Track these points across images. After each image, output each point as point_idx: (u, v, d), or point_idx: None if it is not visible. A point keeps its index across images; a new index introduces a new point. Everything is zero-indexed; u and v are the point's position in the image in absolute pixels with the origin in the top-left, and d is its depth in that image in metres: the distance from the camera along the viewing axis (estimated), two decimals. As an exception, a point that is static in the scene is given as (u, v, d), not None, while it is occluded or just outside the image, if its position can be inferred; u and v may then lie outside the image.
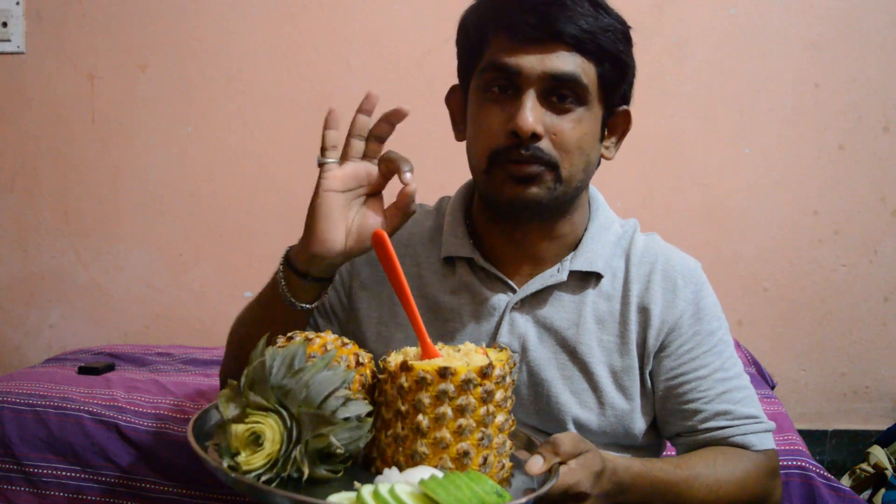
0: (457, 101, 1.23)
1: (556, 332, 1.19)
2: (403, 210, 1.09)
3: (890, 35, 2.51)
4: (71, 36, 2.59)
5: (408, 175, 1.06)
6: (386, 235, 0.99)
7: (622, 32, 1.14)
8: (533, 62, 1.09)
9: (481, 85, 1.14)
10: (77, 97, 2.61)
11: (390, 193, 1.12)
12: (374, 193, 1.11)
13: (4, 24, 2.58)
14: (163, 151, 2.62)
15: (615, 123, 1.21)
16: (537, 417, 1.19)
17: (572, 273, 1.20)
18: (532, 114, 1.09)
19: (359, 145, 1.08)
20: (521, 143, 1.10)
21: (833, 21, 2.50)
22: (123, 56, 2.59)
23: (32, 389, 1.86)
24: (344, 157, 1.08)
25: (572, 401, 1.18)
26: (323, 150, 1.08)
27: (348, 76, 2.58)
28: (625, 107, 1.21)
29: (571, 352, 1.19)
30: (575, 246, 1.22)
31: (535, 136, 1.10)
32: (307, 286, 1.11)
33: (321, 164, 1.08)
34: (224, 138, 2.61)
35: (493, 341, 1.20)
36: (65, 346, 2.62)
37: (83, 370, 2.02)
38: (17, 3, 2.58)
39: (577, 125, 1.12)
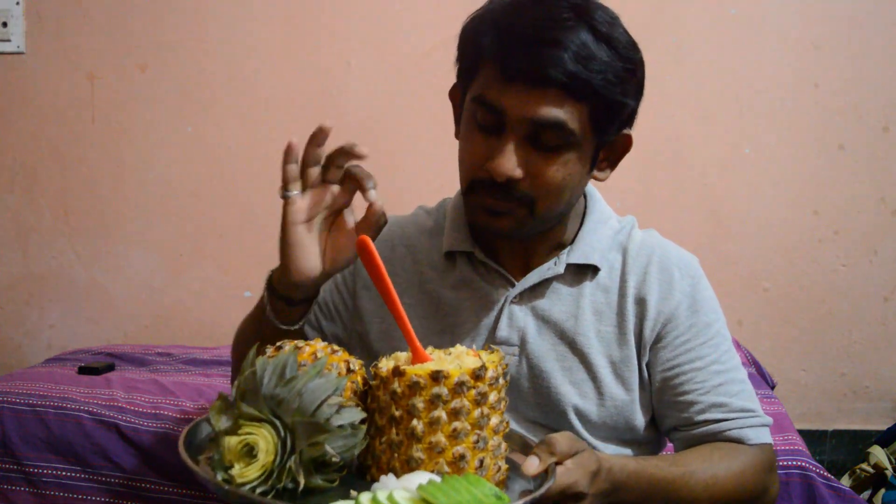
0: (457, 99, 1.23)
1: (555, 323, 1.20)
2: (373, 225, 1.07)
3: (890, 35, 2.51)
4: (71, 36, 2.59)
5: (372, 193, 1.05)
6: (370, 241, 0.98)
7: (622, 69, 1.08)
8: (518, 106, 1.06)
9: (470, 111, 1.13)
10: (77, 97, 2.61)
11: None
12: (341, 209, 1.10)
13: (4, 24, 2.58)
14: (163, 151, 2.62)
15: (612, 147, 1.18)
16: (538, 410, 1.19)
17: (569, 266, 1.21)
18: (511, 158, 1.07)
19: (315, 172, 1.07)
20: (497, 184, 1.09)
21: (833, 21, 2.50)
22: (123, 56, 2.59)
23: (32, 389, 1.86)
24: (304, 187, 1.07)
25: (572, 391, 1.18)
26: (285, 183, 1.06)
27: (348, 76, 2.58)
28: (626, 132, 1.17)
29: (570, 343, 1.19)
30: (572, 241, 1.23)
31: (512, 179, 1.08)
32: (292, 309, 1.11)
33: (284, 198, 1.07)
34: (224, 138, 2.61)
35: (492, 335, 1.20)
36: (65, 346, 2.62)
37: (83, 370, 2.02)
38: (17, 3, 2.58)
39: (562, 167, 1.10)
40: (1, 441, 1.78)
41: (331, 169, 1.07)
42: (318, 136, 1.05)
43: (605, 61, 1.05)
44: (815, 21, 2.51)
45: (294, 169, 1.06)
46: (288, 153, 1.05)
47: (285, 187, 1.06)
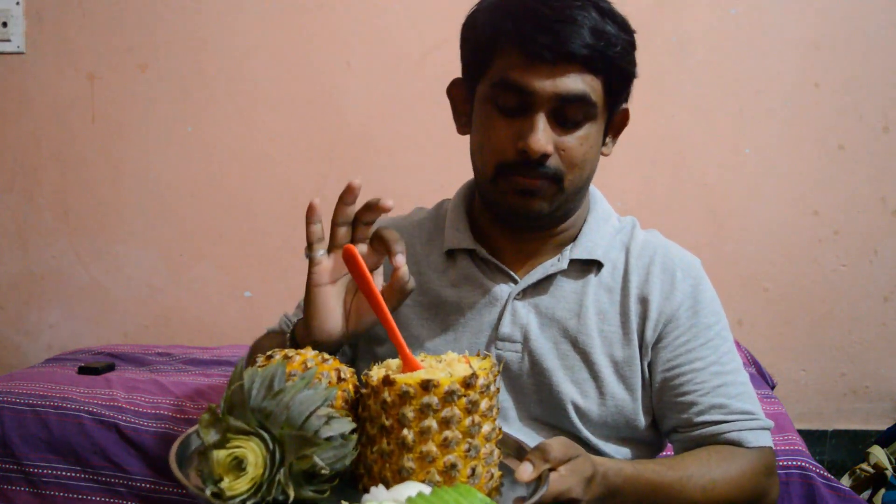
0: (460, 94, 1.23)
1: (558, 321, 1.20)
2: (399, 290, 1.07)
3: (890, 35, 2.50)
4: (71, 36, 2.59)
5: (399, 258, 1.04)
6: (356, 250, 0.98)
7: (627, 41, 1.14)
8: (545, 83, 1.10)
9: (491, 97, 1.14)
10: (77, 97, 2.61)
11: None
12: (371, 269, 1.08)
13: (4, 24, 2.58)
14: (163, 151, 2.62)
15: (614, 123, 1.22)
16: (540, 406, 1.20)
17: (573, 262, 1.22)
18: (543, 135, 1.10)
19: (344, 232, 1.07)
20: (530, 161, 1.11)
21: (833, 21, 2.50)
22: (123, 56, 2.59)
23: (32, 389, 1.86)
24: (332, 247, 1.07)
25: (573, 390, 1.18)
26: (309, 244, 1.06)
27: (348, 76, 2.58)
28: (624, 106, 1.22)
29: (573, 341, 1.19)
30: (574, 238, 1.24)
31: (545, 156, 1.11)
32: None
33: (309, 259, 1.06)
34: (224, 138, 2.61)
35: (495, 332, 1.20)
36: (65, 346, 2.62)
37: (83, 370, 2.02)
38: (17, 3, 2.58)
39: (585, 141, 1.13)
40: (1, 441, 1.78)
41: (359, 227, 1.06)
42: (348, 195, 1.05)
43: (614, 34, 1.12)
44: (815, 21, 2.50)
45: (318, 230, 1.06)
46: (310, 213, 1.05)
47: (310, 248, 1.06)
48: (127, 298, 2.66)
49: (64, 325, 2.67)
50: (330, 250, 1.07)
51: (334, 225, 1.06)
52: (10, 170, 2.64)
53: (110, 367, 2.09)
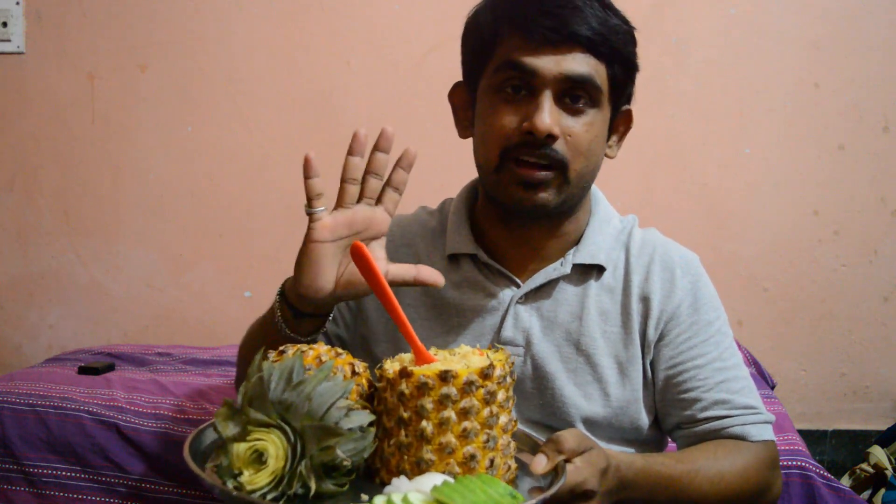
0: (461, 98, 1.24)
1: (561, 325, 1.20)
2: (428, 283, 1.09)
3: (890, 35, 2.51)
4: (71, 36, 2.59)
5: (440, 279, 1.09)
6: (364, 247, 0.96)
7: (629, 33, 1.16)
8: (549, 63, 1.11)
9: (495, 84, 1.15)
10: (77, 97, 2.61)
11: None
12: (374, 238, 1.08)
13: (4, 24, 2.58)
14: (163, 151, 2.62)
15: (618, 123, 1.22)
16: (541, 411, 1.20)
17: (575, 266, 1.22)
18: (549, 115, 1.10)
19: (353, 190, 1.05)
20: (536, 142, 1.11)
21: (833, 21, 2.50)
22: (123, 56, 2.59)
23: (32, 389, 1.86)
24: (339, 204, 1.06)
25: (577, 393, 1.18)
26: (309, 199, 1.04)
27: (348, 76, 2.58)
28: (627, 106, 1.22)
29: (576, 344, 1.20)
30: (577, 241, 1.24)
31: (551, 137, 1.11)
32: (302, 321, 1.11)
33: (310, 215, 1.04)
34: (224, 138, 2.61)
35: (497, 336, 1.20)
36: (65, 346, 2.62)
37: (83, 370, 2.02)
38: (17, 3, 2.58)
39: (590, 127, 1.14)
40: (1, 441, 1.78)
41: (369, 179, 1.06)
42: (356, 146, 1.03)
43: (617, 24, 1.13)
44: (815, 21, 2.51)
45: (316, 183, 1.03)
46: (307, 168, 1.03)
47: (310, 204, 1.04)
48: (127, 298, 2.65)
49: (64, 325, 2.67)
50: (337, 205, 1.05)
51: (343, 181, 1.05)
52: (10, 170, 2.63)
53: (110, 367, 2.09)
